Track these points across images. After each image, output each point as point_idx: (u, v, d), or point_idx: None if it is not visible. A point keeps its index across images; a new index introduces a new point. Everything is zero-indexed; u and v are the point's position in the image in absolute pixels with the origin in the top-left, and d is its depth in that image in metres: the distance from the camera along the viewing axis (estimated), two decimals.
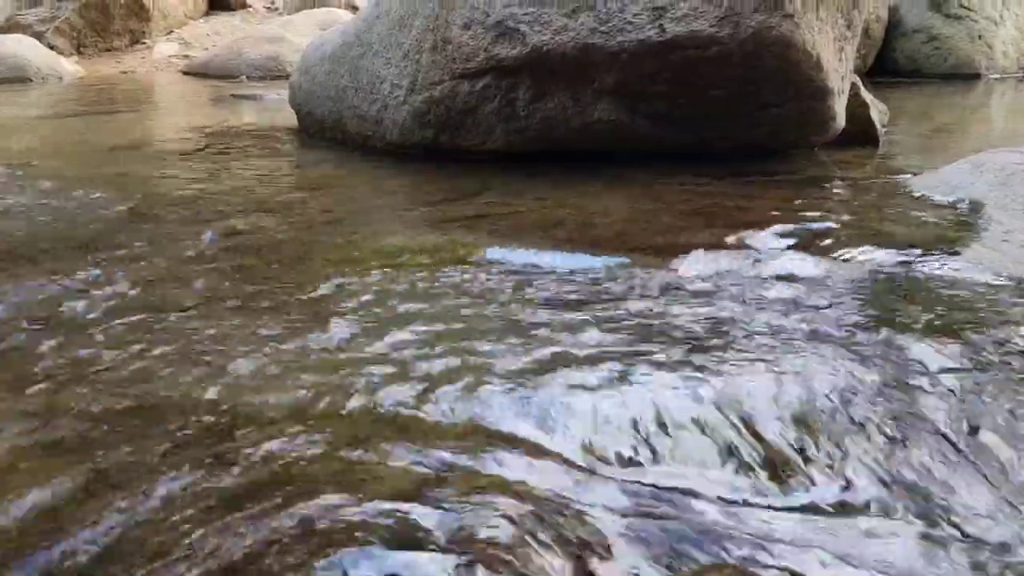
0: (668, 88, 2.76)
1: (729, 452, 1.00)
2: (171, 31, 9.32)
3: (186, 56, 8.68)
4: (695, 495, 0.93)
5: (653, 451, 1.00)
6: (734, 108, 2.83)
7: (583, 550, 0.81)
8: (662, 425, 1.04)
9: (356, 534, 0.80)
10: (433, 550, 0.78)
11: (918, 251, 1.82)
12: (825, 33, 2.80)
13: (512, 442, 1.01)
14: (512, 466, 0.96)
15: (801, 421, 1.05)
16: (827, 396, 1.10)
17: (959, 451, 1.01)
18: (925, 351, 1.23)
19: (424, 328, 1.37)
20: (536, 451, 1.00)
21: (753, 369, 1.16)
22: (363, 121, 3.32)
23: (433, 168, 2.96)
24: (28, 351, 1.31)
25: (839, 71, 2.97)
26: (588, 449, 1.00)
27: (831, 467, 0.98)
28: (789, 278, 1.62)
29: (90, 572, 0.78)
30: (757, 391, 1.10)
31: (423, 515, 0.83)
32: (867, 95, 3.49)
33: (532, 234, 2.05)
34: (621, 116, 2.84)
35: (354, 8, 9.39)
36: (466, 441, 1.01)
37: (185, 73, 7.94)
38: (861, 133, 3.38)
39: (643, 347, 1.26)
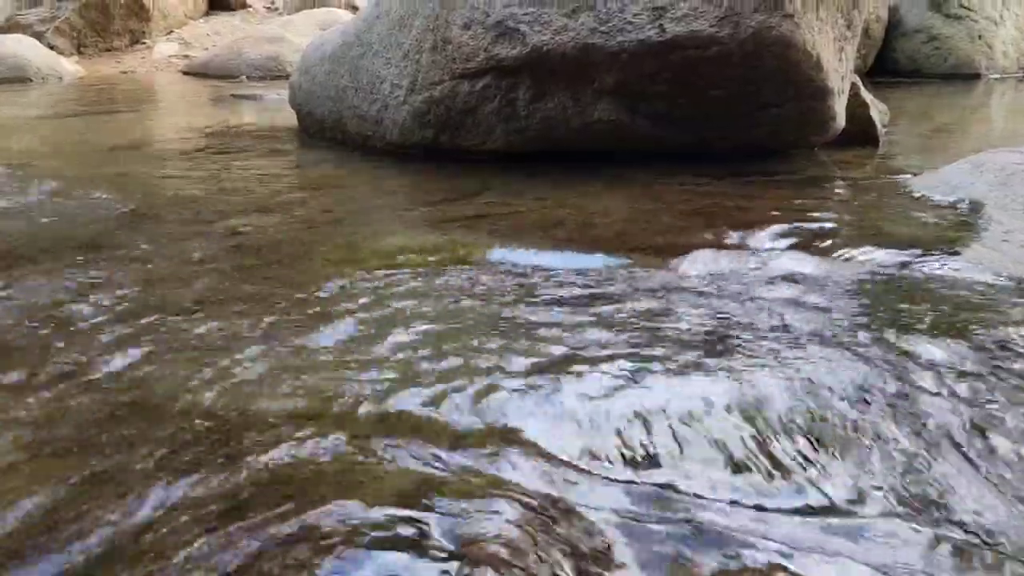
0: (668, 88, 2.76)
1: (734, 454, 1.00)
2: (171, 31, 9.32)
3: (186, 56, 8.68)
4: (700, 496, 0.93)
5: (655, 452, 1.00)
6: (734, 108, 2.83)
7: (586, 551, 0.81)
8: (664, 425, 1.04)
9: (356, 535, 0.80)
10: (434, 551, 0.78)
11: (918, 251, 1.82)
12: (825, 33, 2.80)
13: (515, 442, 1.01)
14: (517, 467, 0.96)
15: (804, 421, 1.05)
16: (830, 396, 1.09)
17: (964, 453, 1.01)
18: (926, 351, 1.23)
19: (424, 328, 1.37)
20: (538, 451, 0.99)
21: (755, 369, 1.16)
22: (363, 121, 3.32)
23: (433, 168, 2.96)
24: (28, 351, 1.30)
25: (839, 71, 2.97)
26: (589, 449, 1.00)
27: (837, 471, 0.98)
28: (789, 278, 1.62)
29: (90, 572, 0.78)
30: (760, 391, 1.10)
31: (424, 515, 0.83)
32: (867, 95, 3.49)
33: (532, 234, 2.05)
34: (621, 116, 2.84)
35: (354, 8, 9.39)
36: (467, 441, 1.01)
37: (185, 73, 7.94)
38: (861, 133, 3.38)
39: (644, 347, 1.26)
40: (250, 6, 10.43)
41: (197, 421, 1.06)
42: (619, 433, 1.03)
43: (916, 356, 1.21)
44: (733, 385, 1.12)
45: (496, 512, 0.84)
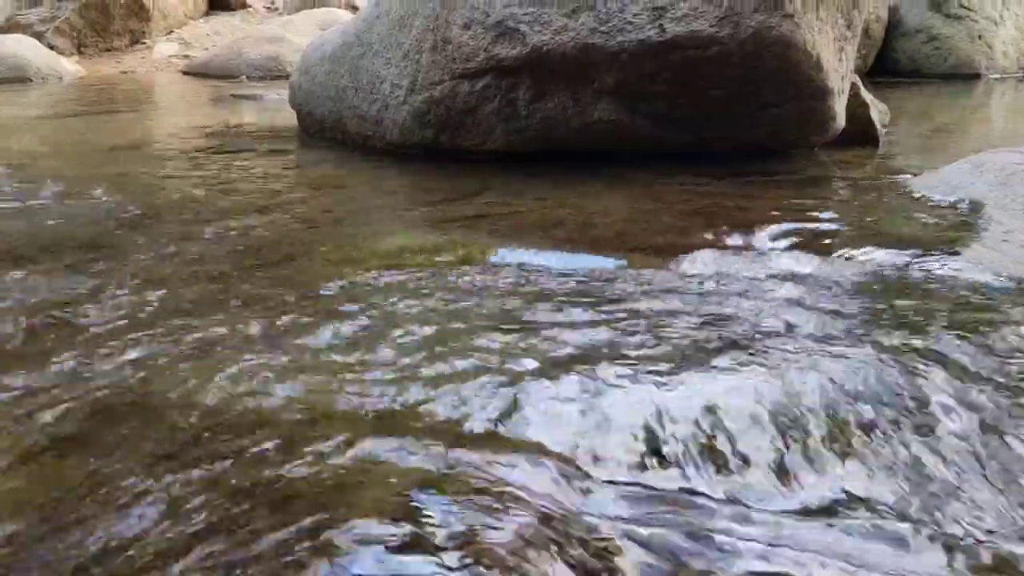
0: (668, 88, 2.76)
1: (735, 454, 1.00)
2: (171, 31, 9.31)
3: (186, 56, 8.67)
4: (696, 495, 0.93)
5: (656, 452, 1.00)
6: (734, 108, 2.83)
7: (590, 553, 0.81)
8: (666, 426, 1.04)
9: (357, 535, 0.80)
10: (436, 552, 0.78)
11: (918, 251, 1.82)
12: (825, 33, 2.80)
13: (517, 442, 1.01)
14: (521, 467, 0.95)
15: (805, 422, 1.05)
16: (831, 396, 1.09)
17: (969, 451, 1.01)
18: (926, 351, 1.23)
19: (425, 328, 1.37)
20: (542, 451, 0.99)
21: (756, 369, 1.16)
22: (363, 121, 3.32)
23: (433, 168, 2.96)
24: (28, 351, 1.31)
25: (839, 71, 2.97)
26: (593, 450, 1.00)
27: (839, 469, 0.98)
28: (789, 278, 1.62)
29: (90, 572, 0.78)
30: (762, 391, 1.10)
31: (425, 516, 0.83)
32: (867, 95, 3.49)
33: (532, 234, 2.05)
34: (621, 116, 2.84)
35: (354, 8, 9.38)
36: (469, 441, 1.01)
37: (185, 73, 7.94)
38: (861, 133, 3.38)
39: (646, 347, 1.26)
40: (250, 6, 10.43)
41: (197, 421, 1.06)
42: (623, 434, 1.03)
43: (917, 356, 1.21)
44: (734, 385, 1.12)
45: (499, 513, 0.84)
